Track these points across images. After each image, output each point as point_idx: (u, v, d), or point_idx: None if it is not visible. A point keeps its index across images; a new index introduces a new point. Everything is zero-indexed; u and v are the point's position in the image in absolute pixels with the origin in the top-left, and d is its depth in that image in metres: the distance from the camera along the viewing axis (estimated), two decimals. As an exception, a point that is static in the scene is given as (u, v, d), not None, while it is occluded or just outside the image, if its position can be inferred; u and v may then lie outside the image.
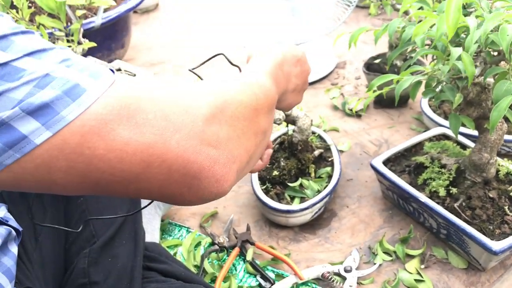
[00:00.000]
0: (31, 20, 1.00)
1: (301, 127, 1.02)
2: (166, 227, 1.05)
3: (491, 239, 0.82)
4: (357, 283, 0.89)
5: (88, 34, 1.35)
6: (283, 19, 1.47)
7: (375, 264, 0.92)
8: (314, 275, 0.91)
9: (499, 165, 0.95)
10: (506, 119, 0.76)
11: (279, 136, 1.12)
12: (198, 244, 1.01)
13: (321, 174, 1.05)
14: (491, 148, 0.87)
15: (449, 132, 1.07)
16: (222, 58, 0.70)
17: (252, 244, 0.97)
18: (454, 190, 0.91)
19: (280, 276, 0.93)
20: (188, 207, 1.10)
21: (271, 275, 0.93)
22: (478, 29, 0.61)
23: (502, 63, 0.70)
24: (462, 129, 1.08)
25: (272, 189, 1.03)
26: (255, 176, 1.04)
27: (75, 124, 0.35)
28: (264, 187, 1.02)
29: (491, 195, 0.90)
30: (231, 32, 1.84)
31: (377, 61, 1.38)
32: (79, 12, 1.06)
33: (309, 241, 1.00)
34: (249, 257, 0.94)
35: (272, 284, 0.90)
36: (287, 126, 1.08)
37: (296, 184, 1.03)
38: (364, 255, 0.95)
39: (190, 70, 0.69)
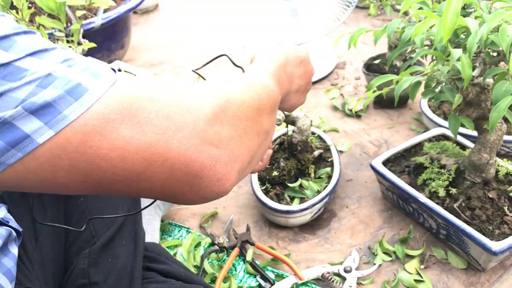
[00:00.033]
0: (31, 20, 1.00)
1: (300, 127, 1.02)
2: (166, 228, 1.05)
3: (491, 240, 0.82)
4: (357, 283, 0.89)
5: (88, 34, 1.35)
6: (283, 20, 1.47)
7: (374, 264, 0.92)
8: (314, 275, 0.91)
9: (498, 165, 0.95)
10: (505, 119, 0.76)
11: (279, 137, 1.12)
12: (198, 244, 1.01)
13: (321, 175, 1.05)
14: (490, 148, 0.87)
15: (449, 133, 1.07)
16: (225, 59, 0.70)
17: (252, 244, 0.97)
18: (453, 191, 0.91)
19: (280, 277, 0.93)
20: (188, 207, 1.10)
21: (271, 275, 0.93)
22: (479, 30, 0.61)
23: (502, 63, 0.70)
24: (461, 130, 1.08)
25: (271, 189, 1.03)
26: (254, 176, 1.04)
27: (78, 123, 0.36)
28: (264, 187, 1.02)
29: (490, 196, 0.90)
30: (231, 33, 1.85)
31: (376, 61, 1.38)
32: (79, 13, 1.06)
33: (308, 241, 1.00)
34: (249, 257, 0.94)
35: (272, 284, 0.90)
36: (286, 126, 1.08)
37: (296, 184, 1.03)
38: (363, 255, 0.95)
39: (193, 71, 0.69)
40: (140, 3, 1.57)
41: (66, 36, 1.04)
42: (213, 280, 0.92)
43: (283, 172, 1.03)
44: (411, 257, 0.93)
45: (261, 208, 1.03)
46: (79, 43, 1.05)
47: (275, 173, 1.03)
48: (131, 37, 1.71)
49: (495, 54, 0.70)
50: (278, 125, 0.98)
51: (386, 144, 1.25)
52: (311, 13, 1.46)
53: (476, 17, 0.66)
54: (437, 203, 0.90)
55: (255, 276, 0.93)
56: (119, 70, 1.04)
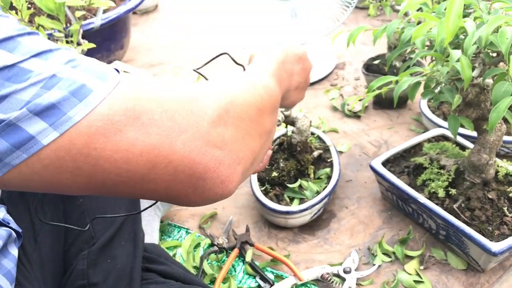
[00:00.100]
0: (31, 21, 1.00)
1: (300, 128, 1.02)
2: (165, 228, 1.05)
3: (490, 240, 0.82)
4: (356, 284, 0.89)
5: (88, 35, 1.35)
6: (283, 20, 1.47)
7: (374, 265, 0.92)
8: (313, 276, 0.91)
9: (498, 166, 0.95)
10: (505, 120, 0.76)
11: (278, 137, 1.12)
12: (198, 245, 1.01)
13: (320, 175, 1.05)
14: (490, 149, 0.87)
15: (448, 133, 1.07)
16: (225, 58, 0.70)
17: (251, 245, 0.97)
18: (453, 191, 0.91)
19: (279, 277, 0.93)
20: (187, 208, 1.10)
21: (271, 276, 0.93)
22: (477, 32, 0.61)
23: (501, 64, 0.70)
24: (461, 130, 1.08)
25: (271, 190, 1.03)
26: (254, 177, 1.04)
27: (82, 125, 0.36)
28: (263, 188, 1.02)
29: (490, 196, 0.90)
30: (230, 34, 1.84)
31: (376, 62, 1.38)
32: (79, 13, 1.06)
33: (308, 242, 1.00)
34: (248, 258, 0.94)
35: (272, 285, 0.90)
36: (286, 127, 1.08)
37: (295, 185, 1.03)
38: (363, 256, 0.95)
39: (194, 70, 0.69)
40: (139, 3, 1.57)
41: (66, 36, 1.04)
42: (213, 281, 0.92)
43: (283, 172, 1.03)
44: (411, 257, 0.93)
45: (261, 209, 1.03)
46: (78, 44, 1.05)
47: (274, 173, 1.03)
48: (130, 37, 1.71)
49: (494, 54, 0.70)
50: (278, 125, 0.98)
51: (386, 145, 1.25)
52: (310, 14, 1.46)
53: (475, 18, 0.66)
54: (437, 204, 0.90)
55: (254, 277, 0.93)
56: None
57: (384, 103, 1.37)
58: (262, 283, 0.91)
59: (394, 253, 0.94)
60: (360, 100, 1.38)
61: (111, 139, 0.37)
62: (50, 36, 1.03)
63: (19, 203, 0.68)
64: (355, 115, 1.37)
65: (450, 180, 0.93)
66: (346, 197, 1.10)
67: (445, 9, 0.70)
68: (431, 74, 0.71)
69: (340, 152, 1.23)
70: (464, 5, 0.72)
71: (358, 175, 1.15)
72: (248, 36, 1.46)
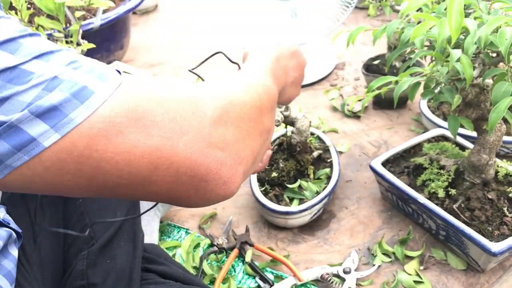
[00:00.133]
0: (30, 21, 1.00)
1: (299, 128, 1.02)
2: (165, 229, 1.05)
3: (490, 241, 0.82)
4: (356, 284, 0.89)
5: (87, 35, 1.35)
6: (282, 21, 1.47)
7: (374, 265, 0.92)
8: (313, 276, 0.91)
9: (498, 166, 0.95)
10: (504, 120, 0.76)
11: (278, 138, 1.12)
12: (197, 245, 1.01)
13: (320, 175, 1.05)
14: (490, 149, 0.87)
15: (448, 133, 1.07)
16: (221, 57, 0.70)
17: (251, 245, 0.97)
18: (453, 191, 0.91)
19: (279, 278, 0.92)
20: (187, 208, 1.10)
21: (270, 276, 0.93)
22: (477, 32, 0.61)
23: (501, 64, 0.70)
24: (461, 130, 1.08)
25: (271, 190, 1.03)
26: (254, 177, 1.04)
27: (84, 127, 0.35)
28: (263, 188, 1.02)
29: (490, 196, 0.90)
30: (230, 34, 1.84)
31: (376, 62, 1.38)
32: (78, 13, 1.06)
33: (308, 242, 1.00)
34: (248, 258, 0.94)
35: (271, 285, 0.90)
36: (285, 127, 1.08)
37: (295, 185, 1.03)
38: (363, 256, 0.95)
39: (190, 71, 0.69)
40: (139, 3, 1.57)
41: (65, 37, 1.04)
42: (212, 281, 0.92)
43: (282, 173, 1.03)
44: (411, 258, 0.93)
45: (260, 209, 1.03)
46: (78, 44, 1.05)
47: (274, 174, 1.03)
48: (130, 37, 1.71)
49: (494, 55, 0.70)
50: (277, 126, 0.98)
51: (386, 145, 1.25)
52: (310, 14, 1.46)
53: (475, 18, 0.66)
54: (437, 204, 0.90)
55: (254, 277, 0.93)
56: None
57: (384, 103, 1.37)
58: (261, 284, 0.91)
59: (394, 253, 0.94)
60: (359, 100, 1.38)
61: (113, 141, 0.37)
62: (50, 37, 1.03)
63: (19, 204, 0.68)
64: (355, 115, 1.37)
65: (450, 180, 0.93)
66: (346, 197, 1.10)
67: (445, 9, 0.70)
68: (431, 74, 0.71)
69: (340, 152, 1.23)
70: (464, 5, 0.72)
71: (358, 176, 1.15)
72: (248, 36, 1.46)
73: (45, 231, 0.70)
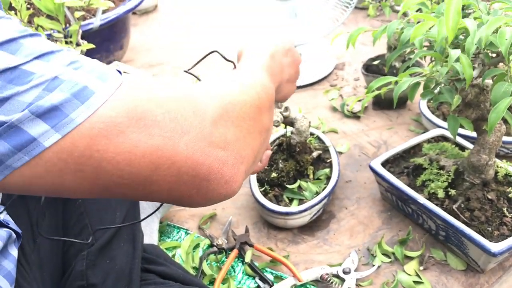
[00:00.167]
0: (30, 21, 1.00)
1: (299, 128, 1.02)
2: (164, 229, 1.05)
3: (490, 241, 0.82)
4: (356, 285, 0.89)
5: (87, 35, 1.35)
6: (282, 21, 1.47)
7: (373, 265, 0.92)
8: (312, 277, 0.91)
9: (497, 166, 0.95)
10: (504, 120, 0.75)
11: (278, 138, 1.12)
12: (197, 246, 1.00)
13: (320, 176, 1.05)
14: (489, 149, 0.87)
15: (448, 134, 1.07)
16: (216, 57, 0.70)
17: (251, 246, 0.97)
18: (452, 192, 0.91)
19: (278, 278, 0.92)
20: (187, 208, 1.10)
21: (270, 277, 0.93)
22: (477, 32, 0.61)
23: (501, 64, 0.70)
24: (460, 131, 1.08)
25: (270, 191, 1.02)
26: (253, 178, 1.04)
27: (84, 127, 0.35)
28: (263, 189, 1.02)
29: (489, 197, 0.90)
30: (230, 34, 1.84)
31: (375, 62, 1.38)
32: (78, 14, 1.06)
33: (307, 243, 1.00)
34: (247, 259, 0.94)
35: (271, 286, 0.90)
36: (285, 127, 1.08)
37: (295, 186, 1.03)
38: (362, 256, 0.95)
39: (186, 71, 0.69)
40: (139, 4, 1.57)
41: (65, 37, 1.04)
42: (212, 282, 0.92)
43: (282, 173, 1.03)
44: (410, 258, 0.93)
45: (260, 210, 1.03)
46: (77, 44, 1.05)
47: (273, 174, 1.03)
48: (130, 38, 1.71)
49: (494, 55, 0.70)
50: (277, 126, 0.98)
51: (385, 145, 1.25)
52: (310, 14, 1.46)
53: (475, 18, 0.66)
54: (436, 204, 0.89)
55: (254, 278, 0.93)
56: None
57: (383, 103, 1.37)
58: (261, 284, 0.91)
59: (393, 253, 0.94)
60: (359, 100, 1.38)
61: (114, 141, 0.36)
62: (49, 37, 1.02)
63: (18, 205, 0.68)
64: (355, 116, 1.37)
65: (449, 180, 0.93)
66: (345, 197, 1.10)
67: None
68: (431, 74, 0.71)
69: (340, 153, 1.23)
70: (464, 5, 0.72)
71: (358, 176, 1.15)
72: (248, 37, 1.46)
73: (44, 231, 0.70)
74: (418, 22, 0.75)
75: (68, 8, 1.14)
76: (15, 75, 0.34)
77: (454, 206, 0.89)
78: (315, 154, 1.07)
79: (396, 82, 0.74)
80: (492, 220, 0.87)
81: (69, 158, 0.36)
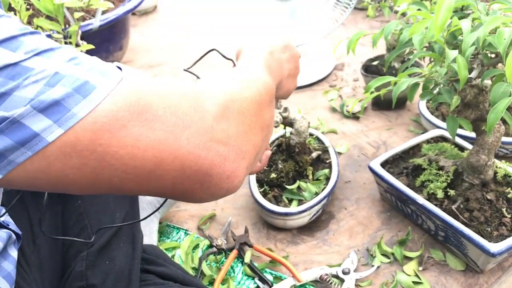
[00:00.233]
0: (29, 22, 1.00)
1: (298, 129, 1.02)
2: (164, 230, 1.05)
3: (489, 241, 0.82)
4: (355, 285, 0.89)
5: (86, 36, 1.35)
6: (282, 22, 1.47)
7: (373, 266, 0.92)
8: (312, 277, 0.91)
9: (496, 167, 0.95)
10: (503, 121, 0.76)
11: (277, 139, 1.12)
12: (196, 246, 1.01)
13: (319, 176, 1.05)
14: (488, 150, 0.87)
15: (447, 134, 1.07)
16: (216, 56, 0.70)
17: (250, 246, 0.97)
18: (452, 192, 0.91)
19: (278, 279, 0.92)
20: (186, 209, 1.10)
21: (269, 277, 0.93)
22: (473, 32, 0.62)
23: (500, 65, 0.70)
24: (459, 131, 1.08)
25: (270, 191, 1.03)
26: (253, 178, 1.04)
27: (87, 121, 0.36)
28: (262, 189, 1.02)
29: (489, 197, 0.90)
30: (230, 35, 1.84)
31: (375, 63, 1.38)
32: (77, 14, 1.06)
33: (307, 243, 1.00)
34: (247, 259, 0.94)
35: (270, 286, 0.90)
36: (284, 128, 1.08)
37: (294, 186, 1.03)
38: (362, 257, 0.95)
39: (185, 70, 0.69)
40: (138, 4, 1.57)
41: (64, 37, 1.04)
42: (211, 282, 0.92)
43: (281, 174, 1.03)
44: (410, 258, 0.93)
45: (259, 210, 1.03)
46: (77, 45, 1.05)
47: (273, 175, 1.03)
48: (129, 38, 1.71)
49: (493, 55, 0.70)
50: (276, 127, 0.98)
51: (385, 146, 1.25)
52: (309, 15, 1.46)
53: (473, 19, 0.66)
54: (436, 205, 0.90)
55: (253, 278, 0.93)
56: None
57: (383, 104, 1.37)
58: (261, 284, 0.91)
59: (393, 254, 0.94)
60: (359, 101, 1.38)
61: (116, 135, 0.37)
62: (49, 37, 1.03)
63: (18, 205, 0.68)
64: (354, 116, 1.37)
65: (448, 181, 0.93)
66: (345, 198, 1.10)
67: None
68: (430, 75, 0.71)
69: (339, 153, 1.23)
70: (463, 6, 0.73)
71: (357, 176, 1.15)
72: (247, 37, 1.46)
73: (44, 233, 0.70)
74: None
75: (68, 8, 1.14)
76: (16, 72, 0.34)
77: (453, 207, 0.89)
78: (314, 154, 1.08)
79: (395, 83, 0.74)
80: (491, 221, 0.87)
81: (72, 153, 0.36)
